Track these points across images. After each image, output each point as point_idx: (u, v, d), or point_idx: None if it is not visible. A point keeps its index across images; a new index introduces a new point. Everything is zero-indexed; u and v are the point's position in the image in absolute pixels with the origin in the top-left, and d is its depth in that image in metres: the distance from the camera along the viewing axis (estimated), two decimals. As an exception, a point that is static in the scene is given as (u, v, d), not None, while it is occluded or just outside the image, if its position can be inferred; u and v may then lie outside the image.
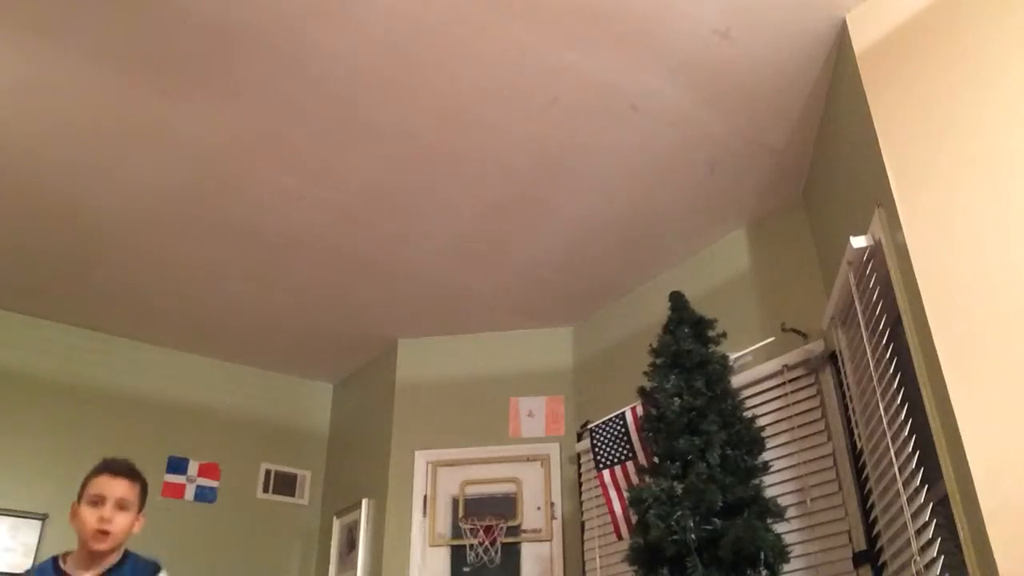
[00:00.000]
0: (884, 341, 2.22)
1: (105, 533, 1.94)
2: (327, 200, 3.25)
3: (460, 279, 3.81)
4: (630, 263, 3.68)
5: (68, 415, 4.01)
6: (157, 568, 2.05)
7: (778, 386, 2.94)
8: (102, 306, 4.03)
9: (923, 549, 1.99)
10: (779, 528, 2.51)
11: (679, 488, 2.53)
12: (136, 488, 2.05)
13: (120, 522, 1.98)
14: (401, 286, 3.87)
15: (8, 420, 3.86)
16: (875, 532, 2.45)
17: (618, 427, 3.33)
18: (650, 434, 2.78)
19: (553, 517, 3.77)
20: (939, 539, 1.91)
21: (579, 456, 3.79)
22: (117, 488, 2.00)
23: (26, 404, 3.92)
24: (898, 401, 2.12)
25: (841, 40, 2.42)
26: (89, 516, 1.96)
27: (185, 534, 4.09)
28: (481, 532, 3.80)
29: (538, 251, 3.60)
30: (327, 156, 3.01)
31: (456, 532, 3.87)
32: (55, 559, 1.99)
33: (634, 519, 2.73)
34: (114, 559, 2.00)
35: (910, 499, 2.06)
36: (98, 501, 1.97)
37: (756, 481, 2.55)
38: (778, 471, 2.77)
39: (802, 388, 2.87)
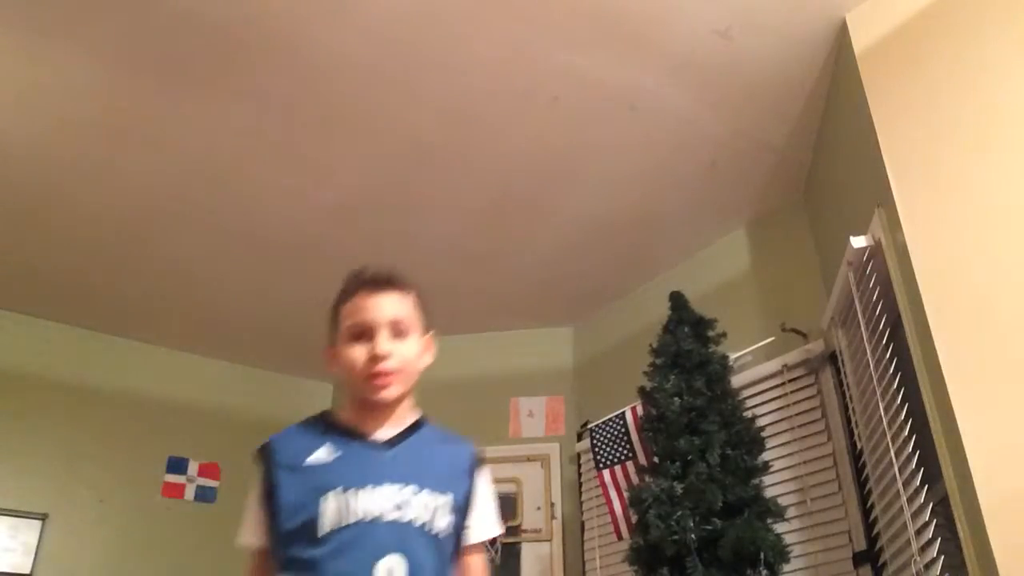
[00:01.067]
0: (884, 341, 2.22)
1: (385, 375, 1.34)
2: (327, 200, 3.25)
3: (460, 279, 3.81)
4: (630, 263, 3.68)
5: (68, 415, 4.00)
6: (473, 452, 1.45)
7: (778, 386, 2.93)
8: (102, 306, 4.03)
9: (923, 549, 1.99)
10: (779, 528, 2.51)
11: (679, 488, 2.53)
12: (410, 300, 1.45)
13: (403, 353, 1.37)
14: (401, 286, 3.86)
15: (8, 420, 3.85)
16: (875, 532, 2.45)
17: (618, 427, 3.33)
18: (650, 434, 2.78)
19: (553, 517, 3.77)
20: (939, 539, 1.91)
21: (579, 456, 3.78)
22: (385, 307, 1.39)
23: (26, 404, 3.92)
24: (898, 401, 2.12)
25: (841, 40, 2.42)
26: (357, 355, 1.35)
27: (185, 534, 4.09)
28: (481, 532, 3.80)
29: (538, 251, 3.60)
30: (327, 156, 3.00)
31: (456, 532, 3.87)
32: (324, 414, 1.41)
33: (634, 519, 2.73)
34: (410, 416, 1.41)
35: (910, 499, 2.06)
36: (363, 332, 1.37)
37: (756, 481, 2.55)
38: (778, 471, 2.76)
39: (802, 388, 2.87)
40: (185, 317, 4.16)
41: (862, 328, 2.35)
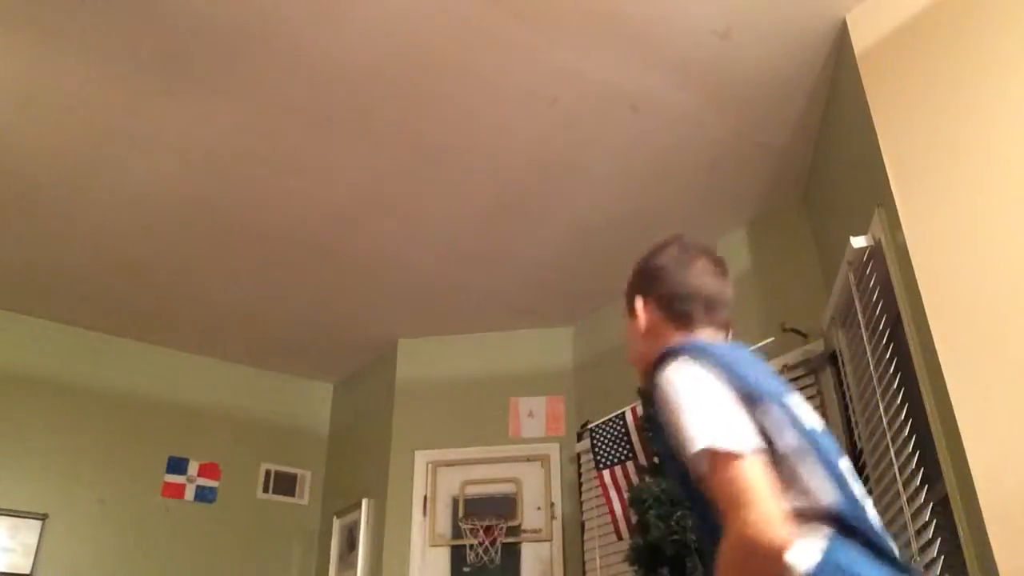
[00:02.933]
0: (884, 341, 2.22)
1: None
2: (327, 200, 3.25)
3: (460, 279, 3.81)
4: (630, 263, 3.67)
5: (68, 415, 4.00)
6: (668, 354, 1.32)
7: (778, 386, 2.93)
8: (103, 306, 4.03)
9: (923, 549, 1.99)
10: (779, 528, 2.50)
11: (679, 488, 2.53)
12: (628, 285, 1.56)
13: (629, 344, 1.50)
14: (401, 286, 3.87)
15: (8, 420, 3.85)
16: (875, 532, 2.44)
17: (618, 427, 3.33)
18: (651, 434, 2.77)
19: (553, 517, 3.77)
20: (939, 539, 1.91)
21: (579, 456, 3.78)
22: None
23: (26, 404, 3.92)
24: (898, 401, 2.12)
25: (841, 40, 2.42)
26: None
27: (185, 534, 4.09)
28: (481, 532, 3.80)
29: (538, 251, 3.60)
30: (327, 156, 3.00)
31: (456, 532, 3.87)
32: None
33: (634, 519, 2.73)
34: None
35: (910, 499, 2.06)
36: None
37: (756, 481, 2.55)
38: (778, 471, 2.76)
39: (802, 388, 2.86)
40: (185, 317, 4.15)
41: (862, 328, 2.35)
